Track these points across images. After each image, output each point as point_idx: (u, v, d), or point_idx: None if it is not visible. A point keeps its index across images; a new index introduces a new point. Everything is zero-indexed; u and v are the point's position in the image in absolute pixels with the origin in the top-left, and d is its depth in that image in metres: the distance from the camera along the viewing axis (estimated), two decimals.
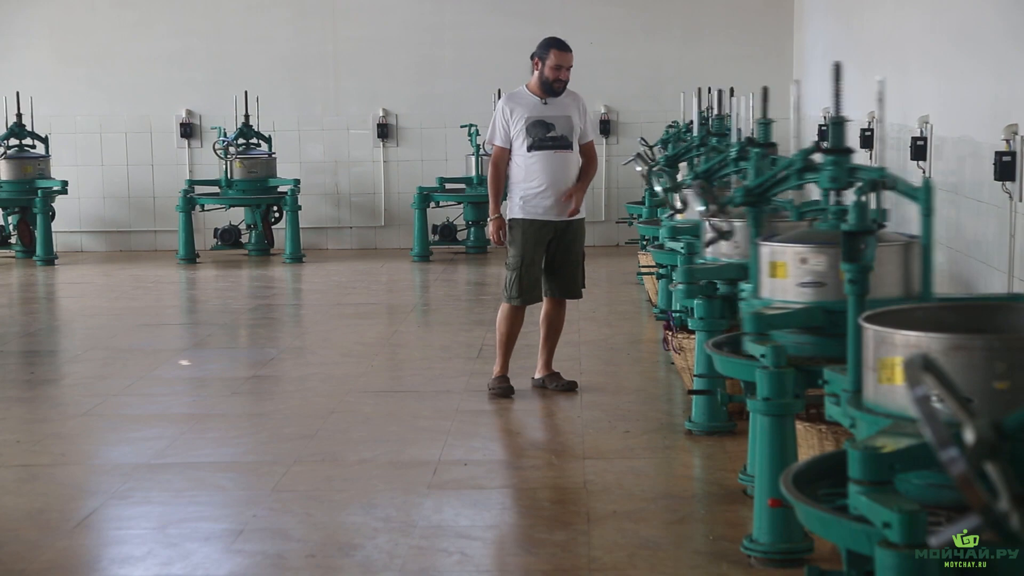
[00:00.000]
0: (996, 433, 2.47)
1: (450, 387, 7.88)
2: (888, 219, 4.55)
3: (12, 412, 7.53)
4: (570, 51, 7.60)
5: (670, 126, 12.99)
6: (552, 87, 7.55)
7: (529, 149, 7.50)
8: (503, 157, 7.58)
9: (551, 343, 7.76)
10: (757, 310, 4.74)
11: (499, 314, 7.72)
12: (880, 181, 4.35)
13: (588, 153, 7.71)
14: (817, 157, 4.78)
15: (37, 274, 13.60)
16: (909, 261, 4.52)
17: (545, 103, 7.56)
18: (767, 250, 4.80)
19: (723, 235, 5.51)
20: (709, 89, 10.61)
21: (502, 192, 7.61)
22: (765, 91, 6.51)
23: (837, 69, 4.53)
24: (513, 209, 7.58)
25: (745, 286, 5.13)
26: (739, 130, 7.19)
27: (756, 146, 7.31)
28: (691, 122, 10.94)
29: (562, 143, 7.54)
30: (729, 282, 6.64)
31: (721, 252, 6.85)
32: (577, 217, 7.63)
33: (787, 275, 4.72)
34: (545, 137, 7.53)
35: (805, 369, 4.80)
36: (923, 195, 4.29)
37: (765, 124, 7.66)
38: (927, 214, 4.30)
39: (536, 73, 7.58)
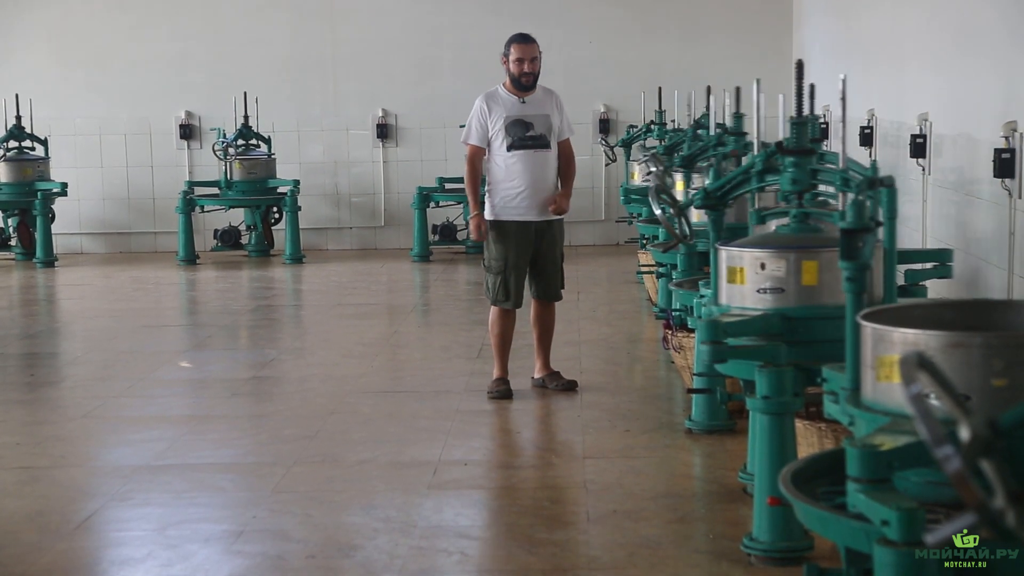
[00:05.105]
0: (992, 430, 2.46)
1: (450, 387, 7.87)
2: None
3: (12, 414, 7.53)
4: (532, 42, 7.54)
5: (630, 127, 13.59)
6: (520, 81, 7.51)
7: (509, 149, 7.47)
8: (479, 155, 7.53)
9: (546, 342, 7.75)
10: (714, 317, 4.69)
11: (490, 318, 7.70)
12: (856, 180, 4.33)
13: (567, 152, 7.67)
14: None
15: (37, 276, 13.60)
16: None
17: (523, 102, 7.53)
18: (725, 255, 4.73)
19: (681, 240, 5.45)
20: (708, 89, 10.60)
21: (479, 190, 7.57)
22: (646, 90, 6.52)
23: (799, 67, 4.47)
24: (494, 211, 7.52)
25: (704, 291, 5.07)
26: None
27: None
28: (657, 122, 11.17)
29: (541, 142, 7.51)
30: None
31: None
32: (556, 218, 7.61)
33: (746, 281, 4.66)
34: (524, 136, 7.49)
35: (805, 368, 4.77)
36: (885, 198, 4.21)
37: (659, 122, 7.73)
38: (890, 217, 4.21)
39: (506, 72, 7.58)
